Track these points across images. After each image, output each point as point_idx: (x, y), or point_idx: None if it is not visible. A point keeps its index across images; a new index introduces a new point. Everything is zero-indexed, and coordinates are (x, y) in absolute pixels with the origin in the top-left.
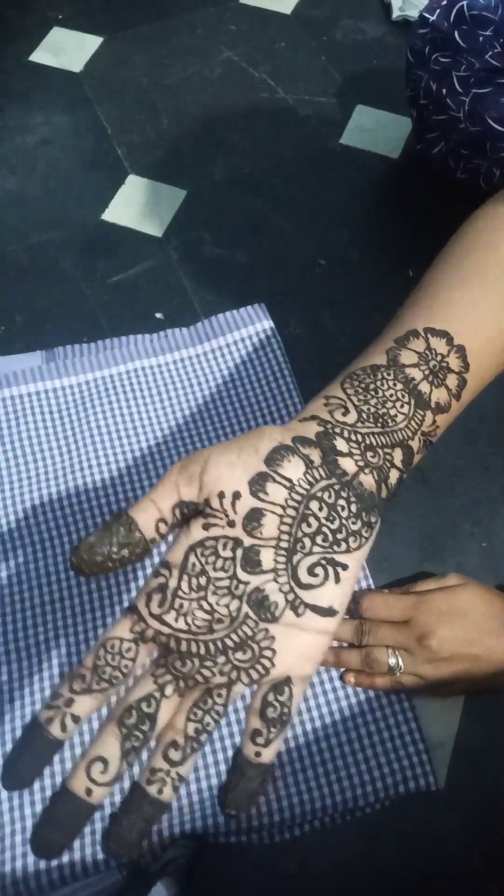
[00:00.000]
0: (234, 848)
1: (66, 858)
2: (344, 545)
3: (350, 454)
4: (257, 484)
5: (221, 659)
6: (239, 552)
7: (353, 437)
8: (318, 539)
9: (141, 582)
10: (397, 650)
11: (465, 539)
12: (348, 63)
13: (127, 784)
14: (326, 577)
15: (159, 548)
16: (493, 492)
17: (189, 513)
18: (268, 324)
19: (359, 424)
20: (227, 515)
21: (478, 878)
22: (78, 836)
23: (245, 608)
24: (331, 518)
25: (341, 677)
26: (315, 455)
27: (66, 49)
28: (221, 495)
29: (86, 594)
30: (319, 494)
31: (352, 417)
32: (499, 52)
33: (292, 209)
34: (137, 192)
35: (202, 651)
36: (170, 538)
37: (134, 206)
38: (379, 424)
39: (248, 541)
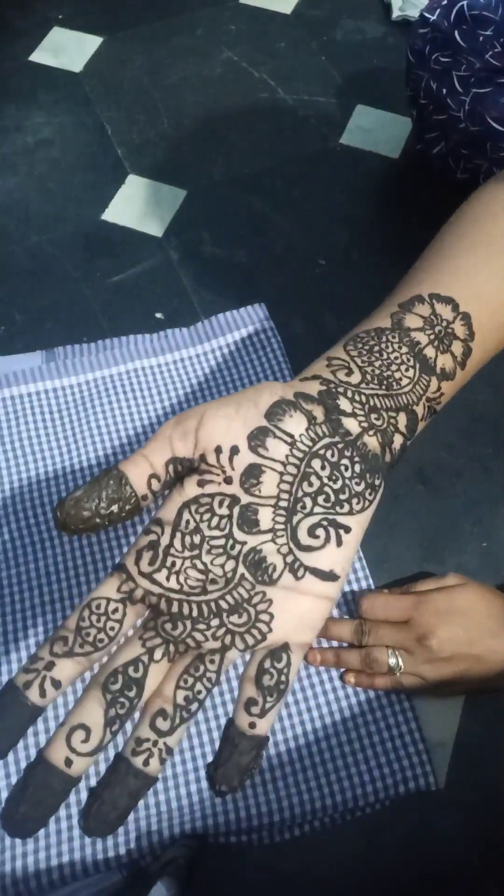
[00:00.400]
0: (234, 848)
1: (66, 858)
2: (347, 506)
3: (354, 414)
4: (257, 439)
5: (215, 622)
6: (236, 510)
7: (356, 398)
8: (320, 499)
9: None
10: (397, 650)
11: (465, 539)
12: (348, 63)
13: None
14: (328, 539)
15: (150, 510)
16: (493, 492)
17: (183, 470)
18: (268, 324)
19: (363, 385)
20: (223, 471)
21: (478, 878)
22: (54, 812)
23: (241, 569)
24: (333, 477)
25: (341, 677)
26: (318, 412)
27: (66, 49)
28: (218, 450)
29: (86, 594)
30: (322, 452)
31: (355, 378)
32: (499, 51)
33: (292, 209)
34: (137, 192)
35: (195, 613)
36: (161, 500)
37: (134, 206)
38: (383, 387)
39: (245, 499)
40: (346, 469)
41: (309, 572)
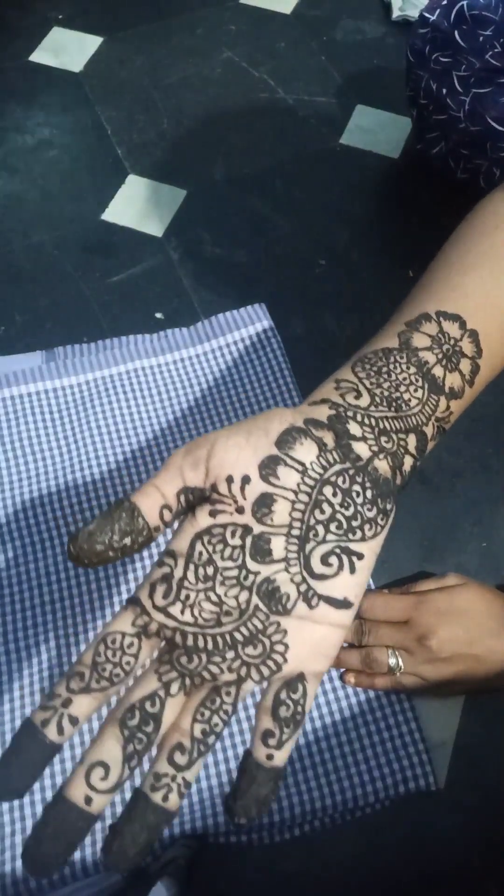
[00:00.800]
0: (234, 848)
1: None
2: (359, 533)
3: (364, 438)
4: (268, 468)
5: (230, 654)
6: (248, 540)
7: (366, 421)
8: (332, 526)
9: (142, 574)
10: (397, 650)
11: (465, 539)
12: (348, 63)
13: (128, 794)
14: (341, 566)
15: (164, 536)
16: (493, 492)
17: (194, 499)
18: (268, 324)
19: (372, 408)
20: (235, 501)
21: (478, 878)
22: (75, 850)
23: (255, 600)
24: (345, 504)
25: (341, 677)
26: (328, 438)
27: (66, 49)
28: (230, 480)
29: (86, 594)
30: (333, 479)
31: (364, 401)
32: (499, 51)
33: (292, 209)
34: (137, 192)
35: (210, 646)
36: (174, 527)
37: (134, 206)
38: (393, 409)
39: (257, 528)
40: (358, 495)
41: (323, 601)
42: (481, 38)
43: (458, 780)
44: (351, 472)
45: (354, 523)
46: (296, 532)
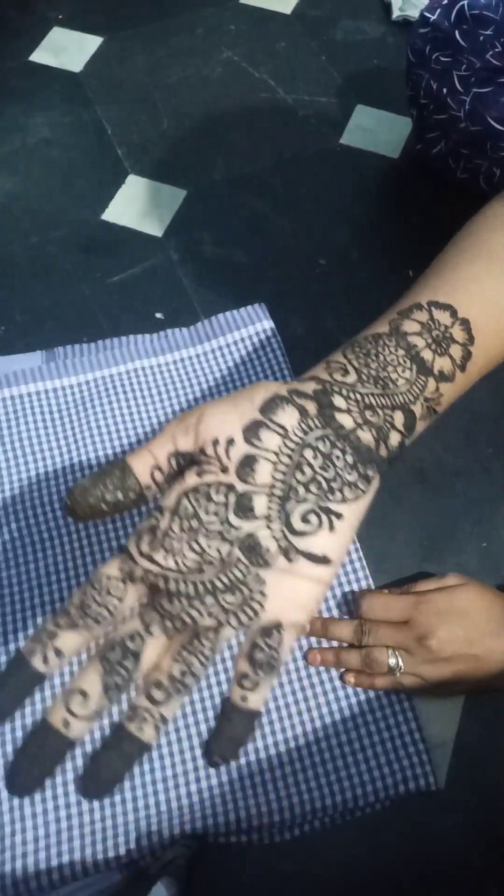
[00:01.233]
0: (234, 848)
1: (66, 858)
2: (339, 494)
3: (348, 411)
4: (251, 430)
5: (210, 600)
6: (232, 497)
7: (351, 396)
8: (313, 487)
9: None
10: (397, 650)
11: (465, 539)
12: (348, 63)
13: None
14: (320, 524)
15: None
16: (493, 492)
17: (185, 463)
18: (268, 324)
19: (358, 385)
20: (220, 462)
21: (478, 878)
22: (53, 772)
23: (237, 552)
24: (325, 467)
25: (341, 677)
26: (311, 406)
27: (66, 49)
28: (215, 442)
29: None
30: (314, 443)
31: (351, 378)
32: (499, 51)
33: (292, 209)
34: (137, 192)
35: (191, 591)
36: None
37: (134, 206)
38: (379, 386)
39: (241, 487)
40: (338, 459)
41: (302, 556)
42: (482, 38)
43: (458, 780)
44: (332, 437)
45: (334, 485)
46: (277, 492)
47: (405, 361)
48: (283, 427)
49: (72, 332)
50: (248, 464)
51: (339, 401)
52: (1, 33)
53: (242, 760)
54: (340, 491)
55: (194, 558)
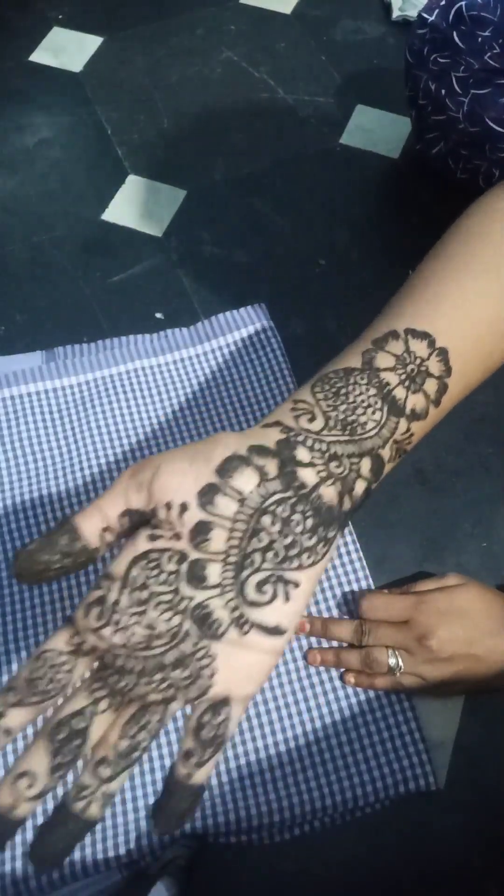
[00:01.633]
0: (234, 848)
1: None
2: (296, 561)
3: (312, 464)
4: (206, 496)
5: (158, 676)
6: (184, 566)
7: (316, 446)
8: (269, 555)
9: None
10: (397, 650)
11: (465, 539)
12: (348, 63)
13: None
14: (275, 594)
15: (110, 553)
16: (493, 492)
17: (137, 521)
18: (268, 324)
19: (324, 432)
20: (173, 527)
21: (478, 878)
22: (1, 851)
23: (187, 624)
24: (283, 533)
25: (341, 677)
26: (271, 466)
27: (66, 49)
28: (168, 506)
29: (80, 597)
30: (272, 508)
31: (317, 424)
32: (497, 52)
33: (292, 209)
34: (137, 192)
35: (138, 668)
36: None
37: (134, 206)
38: (347, 432)
39: (193, 554)
40: (298, 524)
41: (255, 627)
42: (480, 39)
43: (458, 780)
44: (292, 500)
45: (292, 552)
46: (232, 559)
47: (376, 402)
48: (239, 492)
49: (72, 332)
50: (201, 531)
51: (302, 453)
52: (1, 33)
53: (242, 760)
54: (298, 558)
55: (143, 633)
